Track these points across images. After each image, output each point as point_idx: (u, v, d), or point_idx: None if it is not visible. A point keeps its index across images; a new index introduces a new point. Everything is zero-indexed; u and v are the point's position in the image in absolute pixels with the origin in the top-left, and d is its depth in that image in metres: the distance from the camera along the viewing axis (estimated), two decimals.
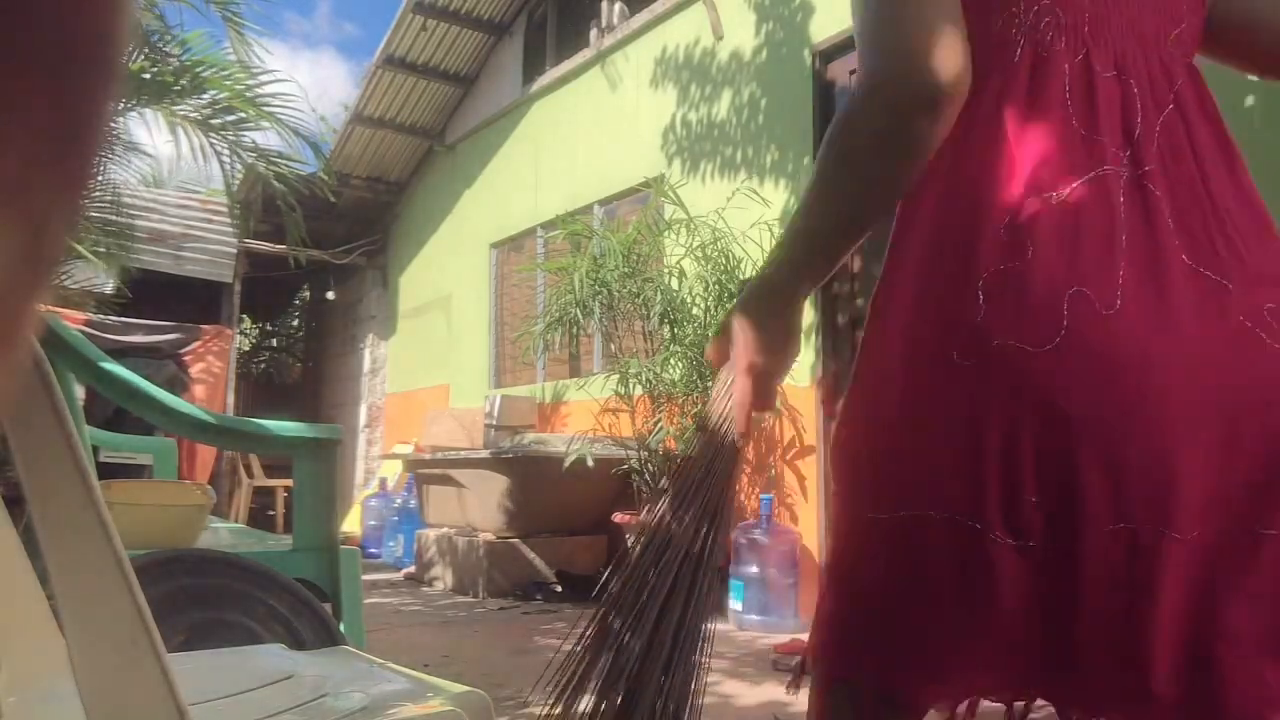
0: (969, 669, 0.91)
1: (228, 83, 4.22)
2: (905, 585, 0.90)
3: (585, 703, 0.98)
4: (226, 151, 4.42)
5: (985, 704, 1.01)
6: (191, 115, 4.25)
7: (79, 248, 4.59)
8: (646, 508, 1.11)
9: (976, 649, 0.88)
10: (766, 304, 0.97)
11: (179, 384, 7.26)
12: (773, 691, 2.92)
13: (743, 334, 0.97)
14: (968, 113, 0.88)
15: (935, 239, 0.90)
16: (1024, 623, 0.84)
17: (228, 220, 7.85)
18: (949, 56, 0.84)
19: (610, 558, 4.32)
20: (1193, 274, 0.83)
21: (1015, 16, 0.89)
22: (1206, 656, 0.81)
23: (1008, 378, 0.82)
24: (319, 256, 8.37)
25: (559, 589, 4.86)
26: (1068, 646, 0.84)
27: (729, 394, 1.01)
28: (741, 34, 5.05)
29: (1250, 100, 2.81)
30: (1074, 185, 0.85)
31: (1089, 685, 0.86)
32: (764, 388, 0.99)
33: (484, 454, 5.21)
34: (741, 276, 4.65)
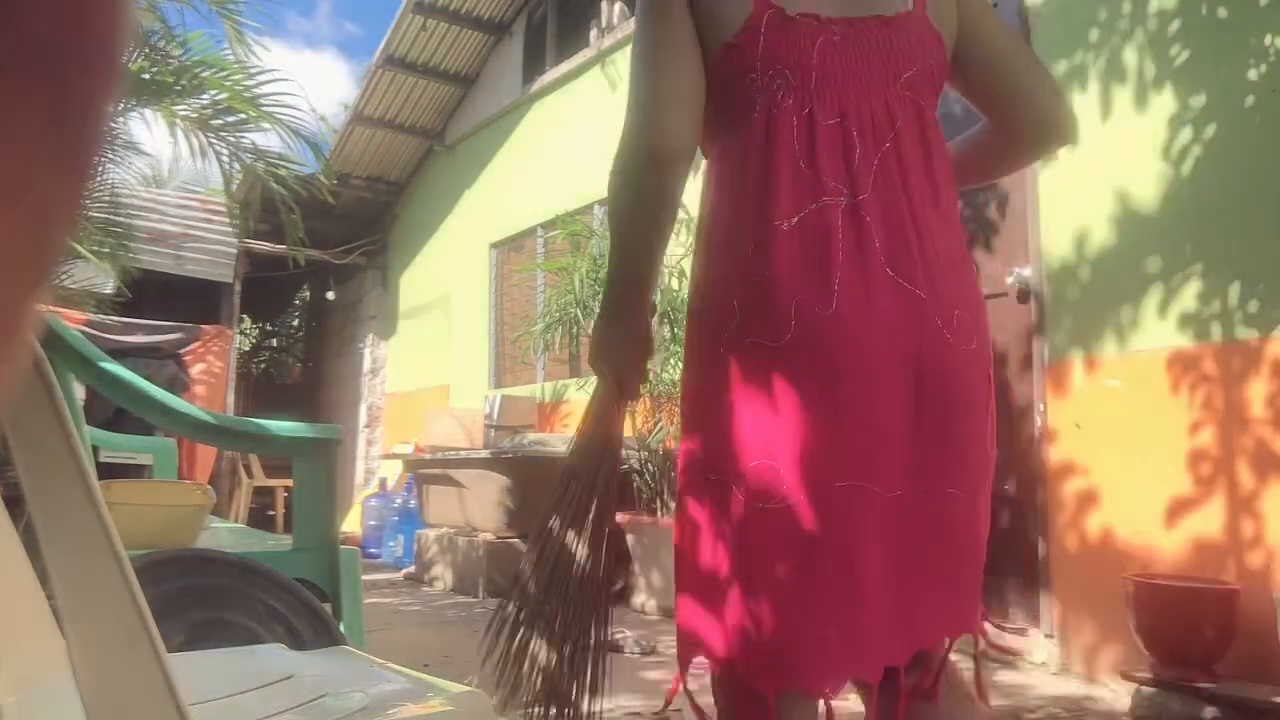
0: (766, 637, 1.09)
1: (228, 83, 4.22)
2: (694, 546, 1.15)
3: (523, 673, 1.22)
4: (226, 152, 4.42)
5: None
6: (191, 115, 4.25)
7: (79, 248, 4.59)
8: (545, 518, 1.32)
9: (764, 619, 1.07)
10: (609, 321, 1.21)
11: (179, 384, 7.26)
12: None
13: (599, 345, 1.21)
14: (730, 160, 1.13)
15: (711, 261, 1.14)
16: (788, 579, 1.04)
17: (228, 220, 7.84)
18: (674, 128, 1.10)
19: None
20: (895, 284, 1.05)
21: (754, 82, 1.10)
22: (907, 599, 1.08)
23: (752, 368, 1.06)
24: (319, 256, 8.36)
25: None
26: (815, 605, 1.04)
27: (599, 399, 1.26)
28: None
29: (1250, 100, 2.81)
30: (801, 215, 1.06)
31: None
32: (627, 386, 1.24)
33: (484, 454, 5.21)
34: None
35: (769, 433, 1.04)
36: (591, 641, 1.24)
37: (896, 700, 1.10)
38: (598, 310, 1.26)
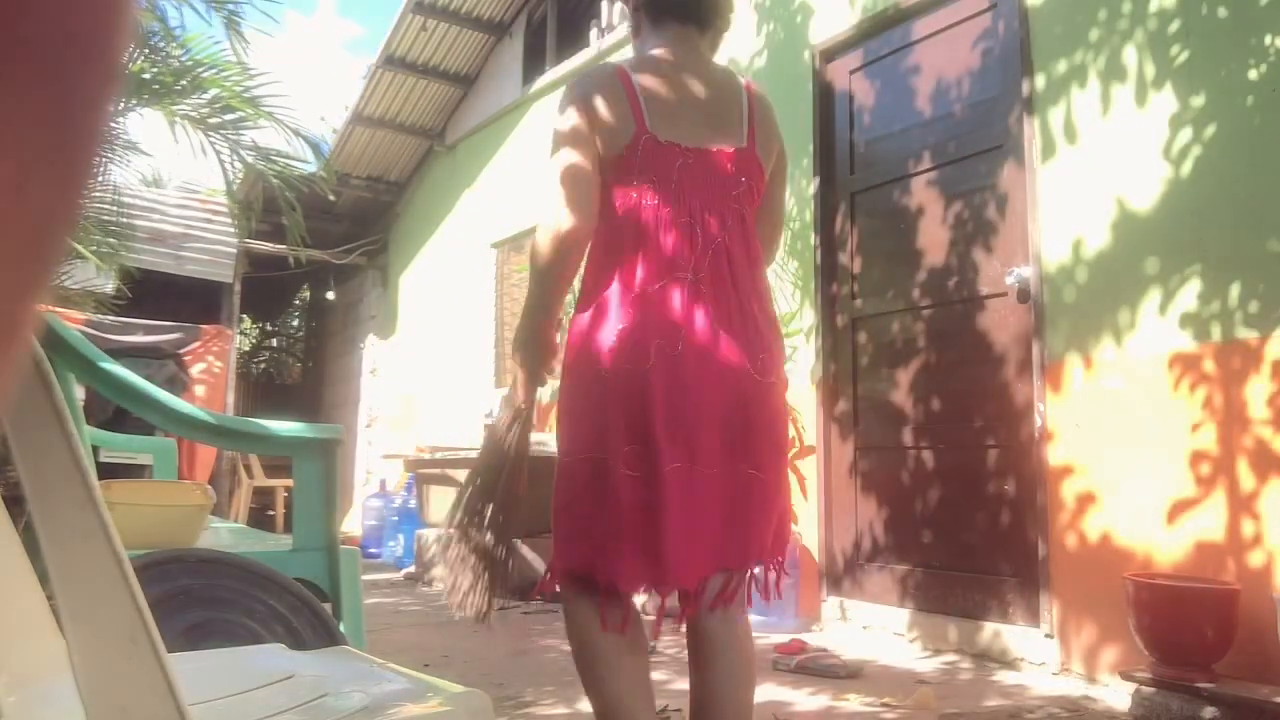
0: (621, 558, 1.56)
1: (228, 83, 4.22)
2: (574, 500, 1.63)
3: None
4: (226, 151, 4.41)
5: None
6: (191, 115, 4.24)
7: (79, 248, 4.59)
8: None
9: (620, 546, 1.56)
10: (527, 334, 1.74)
11: (179, 384, 7.26)
12: (773, 691, 2.92)
13: (520, 346, 1.75)
14: (610, 238, 1.65)
15: (594, 310, 1.63)
16: (640, 522, 1.54)
17: (228, 220, 7.84)
18: (576, 220, 1.61)
19: None
20: (720, 335, 1.58)
21: (632, 185, 1.64)
22: (734, 547, 1.63)
23: (624, 385, 1.56)
24: (319, 256, 8.36)
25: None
26: (657, 541, 1.54)
27: (517, 381, 1.81)
28: (741, 34, 5.04)
29: (1250, 100, 2.81)
30: (659, 285, 1.59)
31: (667, 570, 1.55)
32: (536, 373, 1.77)
33: None
34: None
35: (633, 426, 1.55)
36: (504, 550, 1.77)
37: (695, 610, 1.64)
38: (519, 323, 1.76)
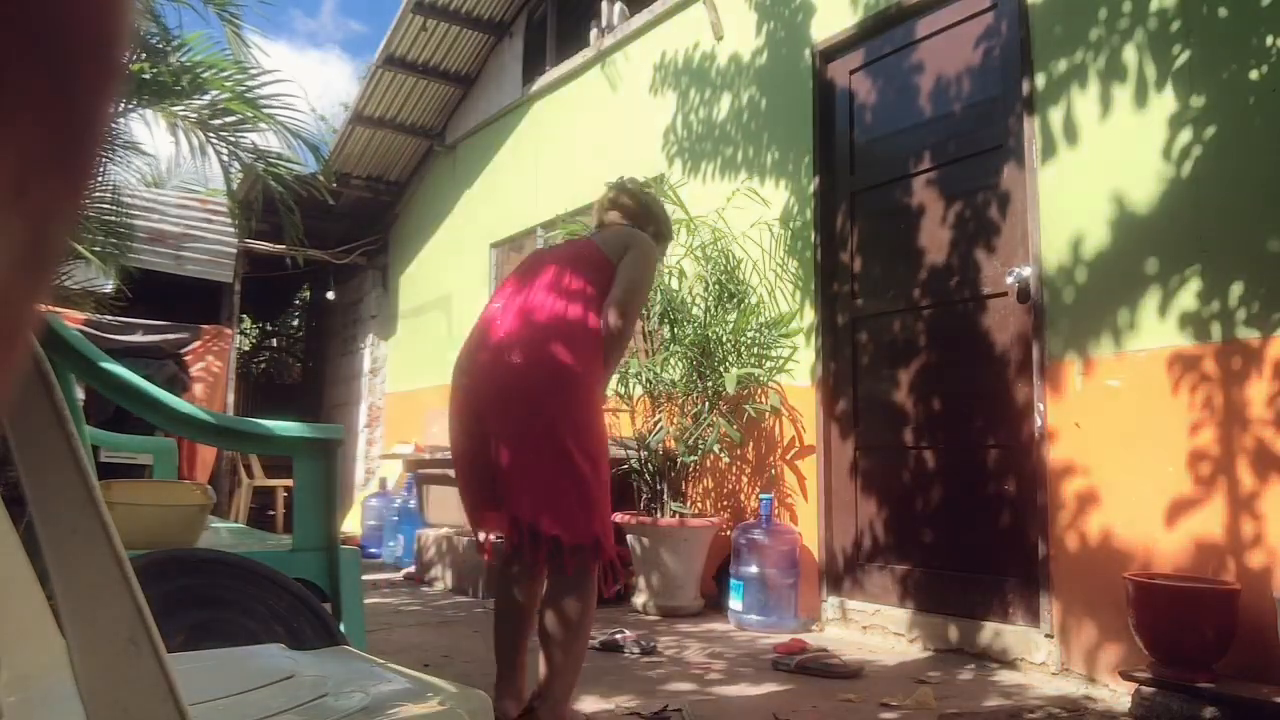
0: (491, 508, 2.33)
1: (228, 84, 4.22)
2: (461, 473, 2.39)
3: None
4: (226, 152, 4.41)
5: None
6: (191, 116, 4.24)
7: (79, 248, 4.59)
8: None
9: (490, 499, 2.31)
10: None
11: (179, 384, 7.26)
12: (773, 691, 2.92)
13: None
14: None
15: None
16: (493, 480, 2.26)
17: (228, 220, 7.84)
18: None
19: None
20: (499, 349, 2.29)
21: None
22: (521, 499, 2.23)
23: (462, 390, 2.34)
24: (319, 256, 8.36)
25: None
26: (497, 494, 2.26)
27: None
28: (742, 33, 5.04)
29: (1250, 100, 2.81)
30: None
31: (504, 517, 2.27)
32: None
33: None
34: (741, 276, 4.65)
35: (466, 418, 2.38)
36: None
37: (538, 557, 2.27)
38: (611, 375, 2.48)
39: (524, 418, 2.19)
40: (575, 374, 2.22)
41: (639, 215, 2.63)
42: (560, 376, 2.21)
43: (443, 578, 5.35)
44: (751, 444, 4.58)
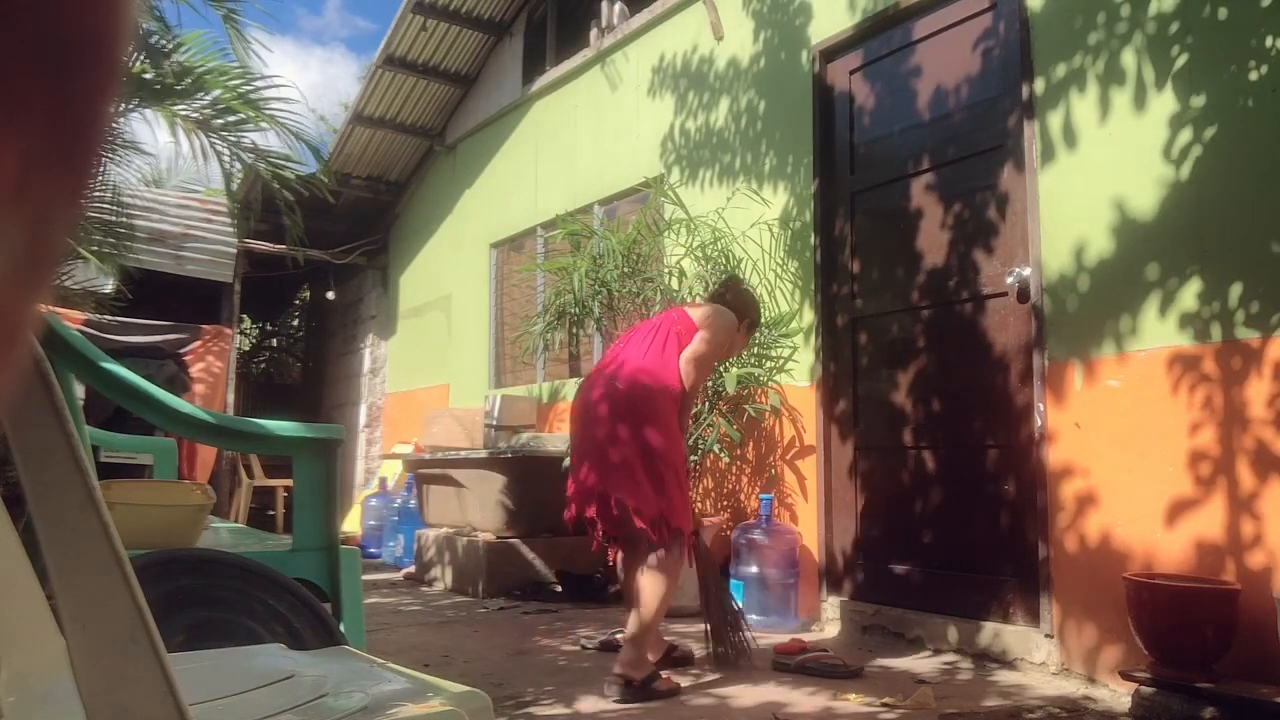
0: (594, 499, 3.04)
1: (230, 84, 4.21)
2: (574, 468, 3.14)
3: None
4: (226, 152, 4.41)
5: None
6: (192, 115, 4.24)
7: (79, 248, 4.59)
8: None
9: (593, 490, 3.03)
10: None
11: (179, 384, 7.26)
12: (773, 691, 2.92)
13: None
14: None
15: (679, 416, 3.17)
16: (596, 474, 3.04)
17: (228, 220, 7.84)
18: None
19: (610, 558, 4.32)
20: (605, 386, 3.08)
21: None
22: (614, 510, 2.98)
23: (581, 405, 3.15)
24: (319, 256, 8.36)
25: (558, 589, 4.86)
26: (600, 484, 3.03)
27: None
28: (741, 34, 5.04)
29: (1250, 101, 2.81)
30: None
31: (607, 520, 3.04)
32: None
33: (483, 454, 5.21)
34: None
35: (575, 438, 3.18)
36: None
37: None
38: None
39: (622, 430, 2.96)
40: (658, 401, 2.99)
41: (738, 307, 3.32)
42: (649, 402, 2.98)
43: (442, 578, 5.35)
44: (751, 444, 4.58)
